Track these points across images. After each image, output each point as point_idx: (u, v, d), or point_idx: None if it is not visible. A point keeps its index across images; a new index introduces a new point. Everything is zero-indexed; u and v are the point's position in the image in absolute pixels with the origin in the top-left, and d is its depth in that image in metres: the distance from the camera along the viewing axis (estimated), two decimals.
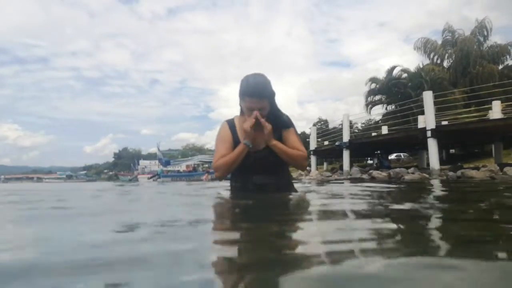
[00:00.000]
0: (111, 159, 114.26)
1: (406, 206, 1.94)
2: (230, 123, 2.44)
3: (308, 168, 26.02)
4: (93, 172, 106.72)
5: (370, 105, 27.63)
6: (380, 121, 28.08)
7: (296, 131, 2.48)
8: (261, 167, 2.36)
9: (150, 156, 70.12)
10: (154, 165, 45.32)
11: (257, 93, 2.25)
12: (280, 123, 2.39)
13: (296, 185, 2.72)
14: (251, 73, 2.35)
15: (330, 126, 30.31)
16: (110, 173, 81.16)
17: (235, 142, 2.34)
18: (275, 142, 2.31)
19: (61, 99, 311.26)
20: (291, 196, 2.33)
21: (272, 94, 2.33)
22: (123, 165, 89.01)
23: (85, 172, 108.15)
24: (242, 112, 2.40)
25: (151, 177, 36.00)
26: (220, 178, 2.41)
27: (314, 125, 31.32)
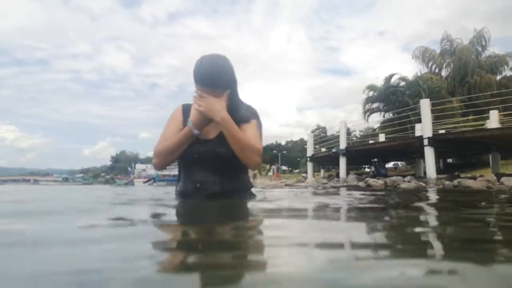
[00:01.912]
0: (108, 163, 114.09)
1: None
2: (185, 106, 2.00)
3: (304, 174, 25.97)
4: (90, 175, 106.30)
5: (368, 112, 27.63)
6: (377, 129, 28.06)
7: (259, 125, 1.94)
8: (205, 161, 1.86)
9: (147, 160, 70.18)
10: (151, 169, 45.25)
11: (209, 81, 1.79)
12: (238, 117, 1.86)
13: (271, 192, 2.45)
14: (209, 54, 1.87)
15: (329, 133, 30.25)
16: (107, 176, 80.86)
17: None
18: (225, 117, 1.78)
19: (60, 101, 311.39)
20: (235, 205, 1.84)
21: (229, 83, 1.87)
22: (120, 169, 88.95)
23: (82, 175, 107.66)
24: None
25: (147, 181, 35.95)
26: (158, 167, 1.93)
27: (312, 132, 31.30)
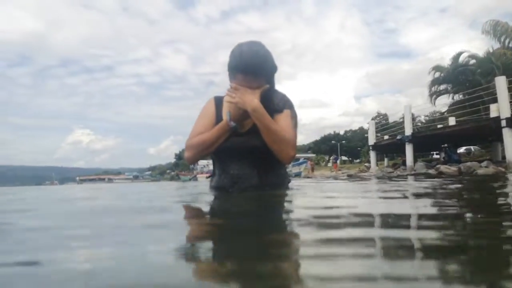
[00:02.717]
0: (173, 160, 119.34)
1: None
2: (218, 99, 1.92)
3: (367, 164, 25.14)
4: (157, 173, 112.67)
5: (434, 95, 25.85)
6: (445, 112, 26.27)
7: (293, 115, 1.85)
8: (240, 154, 1.80)
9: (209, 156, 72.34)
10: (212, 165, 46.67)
11: (253, 69, 1.72)
12: (271, 107, 1.79)
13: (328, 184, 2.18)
14: (246, 41, 1.80)
15: (390, 120, 28.92)
16: (172, 173, 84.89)
17: (218, 121, 1.83)
18: (256, 107, 1.69)
19: (126, 104, 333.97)
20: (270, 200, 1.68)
21: (272, 70, 1.84)
22: (184, 165, 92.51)
23: (150, 172, 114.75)
24: None
25: (209, 176, 37.12)
26: (191, 161, 1.88)
27: (372, 119, 30.16)
